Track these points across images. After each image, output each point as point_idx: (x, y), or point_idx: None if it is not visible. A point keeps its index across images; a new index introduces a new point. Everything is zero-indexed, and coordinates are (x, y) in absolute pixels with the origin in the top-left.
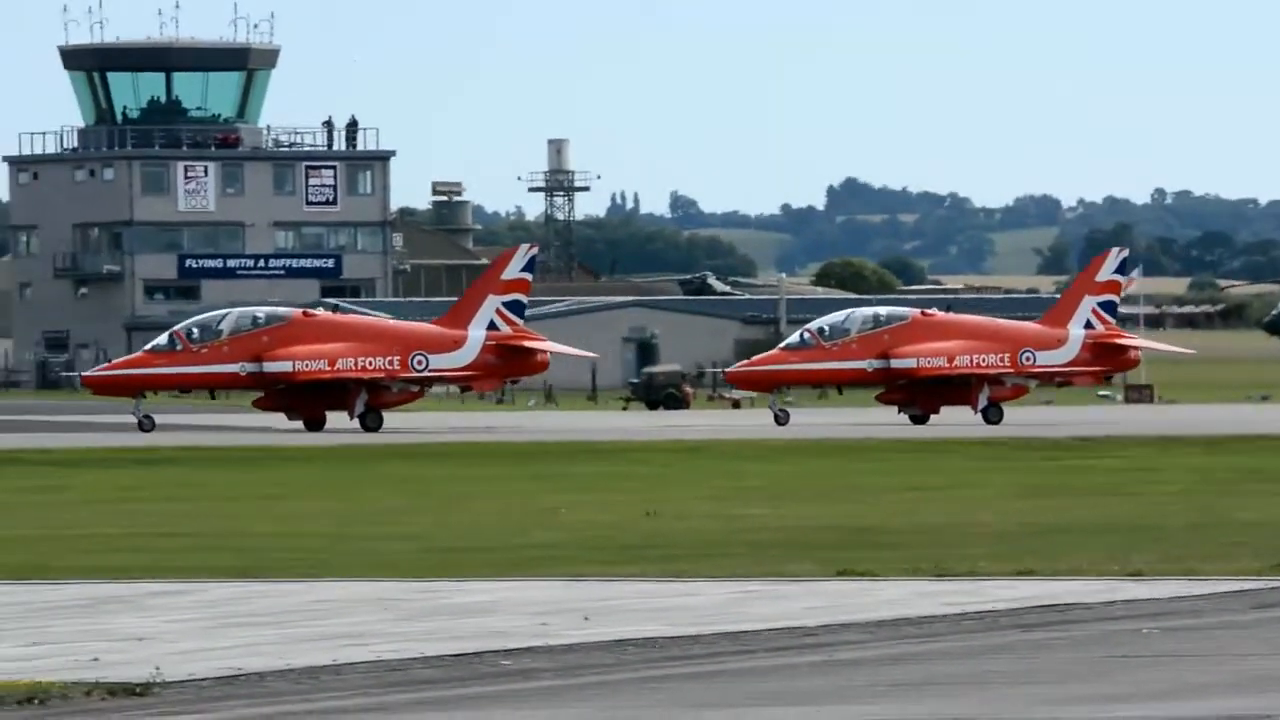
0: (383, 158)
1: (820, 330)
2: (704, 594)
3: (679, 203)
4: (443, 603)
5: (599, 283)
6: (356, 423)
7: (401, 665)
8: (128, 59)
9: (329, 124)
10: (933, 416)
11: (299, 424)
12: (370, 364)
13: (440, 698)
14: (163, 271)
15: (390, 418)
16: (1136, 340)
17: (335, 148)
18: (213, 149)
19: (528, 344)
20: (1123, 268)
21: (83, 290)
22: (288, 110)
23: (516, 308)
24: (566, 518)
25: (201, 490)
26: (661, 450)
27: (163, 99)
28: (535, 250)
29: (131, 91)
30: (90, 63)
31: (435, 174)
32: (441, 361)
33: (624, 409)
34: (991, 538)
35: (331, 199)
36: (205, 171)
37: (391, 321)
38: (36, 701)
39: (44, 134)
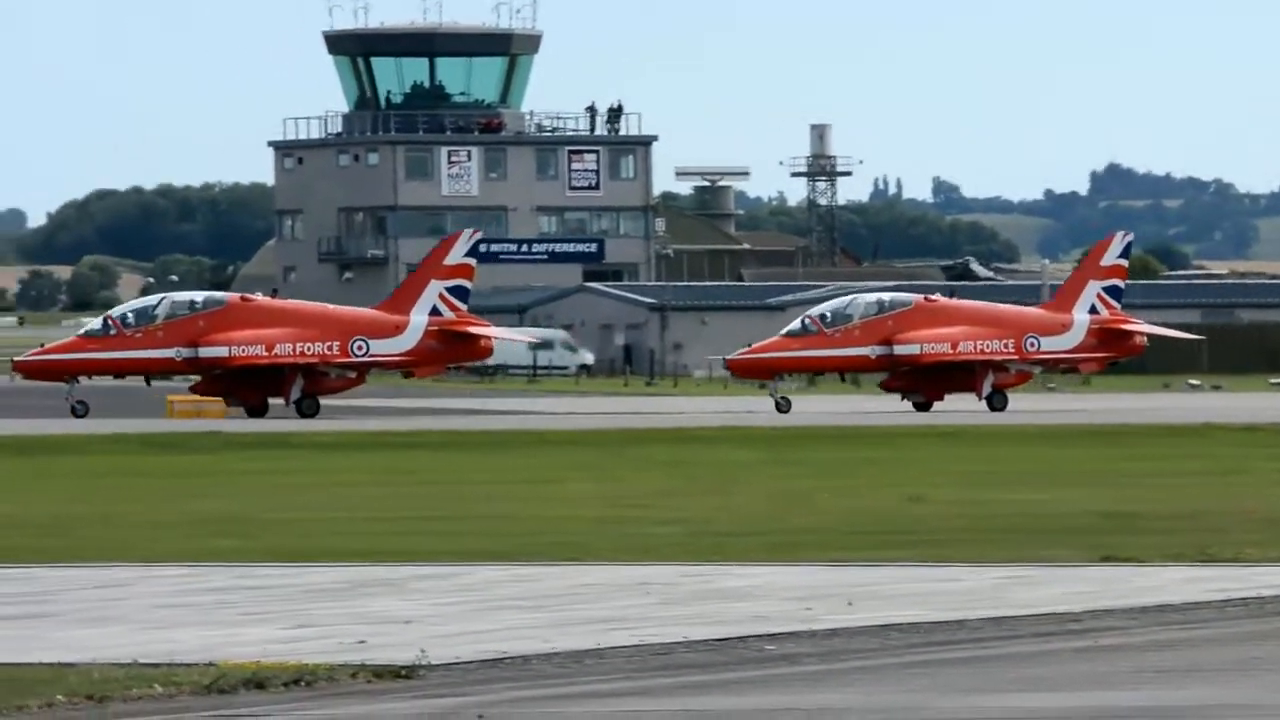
0: (645, 143)
1: (822, 317)
2: (967, 579)
3: (941, 188)
4: (705, 587)
5: (861, 268)
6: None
7: (665, 649)
8: (392, 44)
9: (592, 109)
10: (935, 404)
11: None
12: (308, 349)
13: (703, 682)
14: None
15: (643, 402)
16: (1142, 326)
17: (597, 133)
18: (476, 134)
19: (471, 329)
20: (1127, 252)
21: (347, 274)
22: (550, 96)
23: (460, 293)
24: (826, 502)
25: (465, 474)
26: (914, 436)
27: (426, 84)
28: (479, 235)
29: (395, 76)
30: (354, 48)
31: (697, 159)
32: (382, 347)
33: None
34: (1259, 524)
35: (594, 184)
36: (468, 156)
37: (331, 307)
38: (303, 683)
39: (308, 119)
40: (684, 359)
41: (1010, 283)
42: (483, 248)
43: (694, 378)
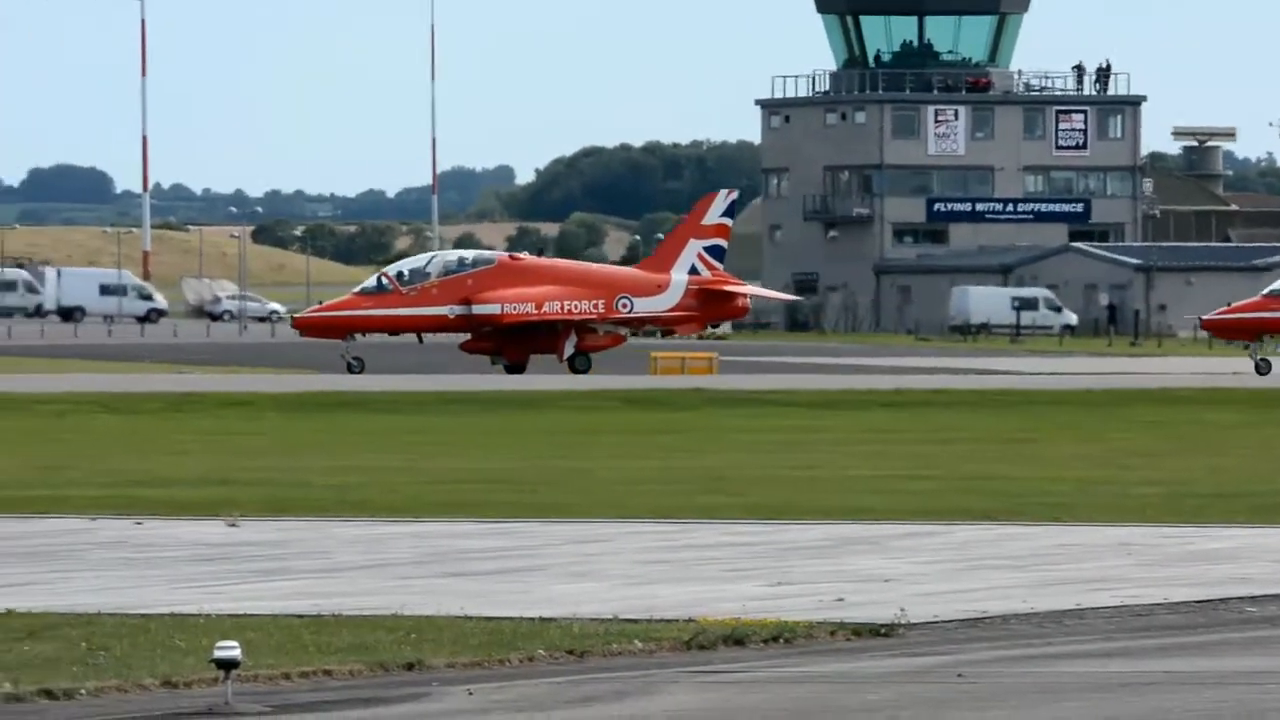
0: (1134, 103)
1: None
2: None
3: None
4: (1187, 549)
5: None
6: (565, 366)
7: (1145, 611)
8: (881, 3)
9: (1079, 69)
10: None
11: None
12: (577, 307)
13: (1183, 644)
14: (911, 215)
15: (1127, 362)
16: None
17: (1085, 93)
18: (963, 93)
19: (728, 288)
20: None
21: (832, 233)
22: (1037, 55)
23: (717, 252)
24: None
25: (948, 432)
26: None
27: (914, 42)
28: (735, 195)
29: (884, 35)
30: (843, 6)
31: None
32: (645, 305)
33: None
34: None
35: (1081, 143)
36: (955, 115)
37: (595, 265)
38: (781, 640)
39: (796, 77)
40: (1169, 320)
41: None
42: (968, 207)
43: (1179, 338)
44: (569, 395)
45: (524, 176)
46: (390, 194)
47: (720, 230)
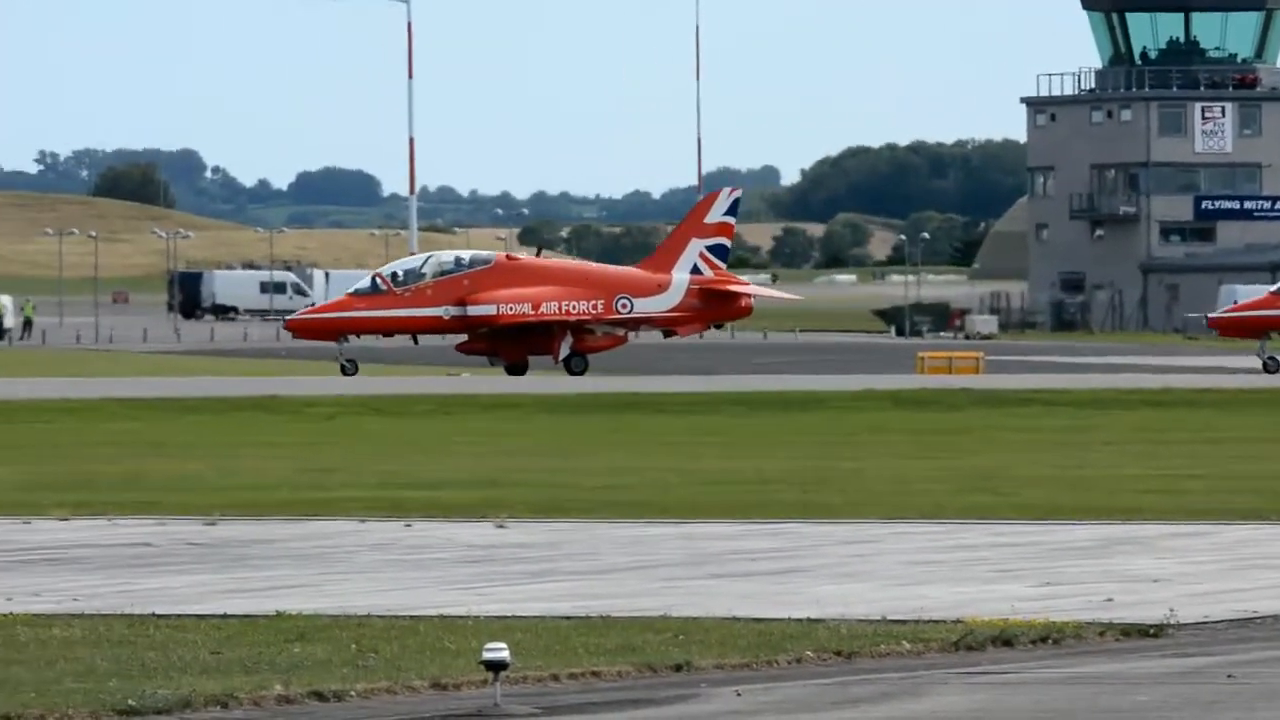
0: None
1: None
2: None
3: None
4: None
5: None
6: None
7: None
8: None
9: None
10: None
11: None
12: (574, 307)
13: None
14: (1178, 213)
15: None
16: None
17: None
18: (1230, 90)
19: (731, 288)
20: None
21: (1098, 232)
22: None
23: (720, 251)
24: None
25: (1224, 431)
26: None
27: (1180, 39)
28: (738, 194)
29: (1150, 31)
30: (1109, 3)
31: None
32: (646, 305)
33: None
34: None
35: None
36: (1222, 112)
37: (595, 265)
38: (1050, 641)
39: (1062, 75)
40: None
41: None
42: (1235, 205)
43: None
44: (838, 396)
45: (789, 177)
46: (655, 195)
47: (723, 229)
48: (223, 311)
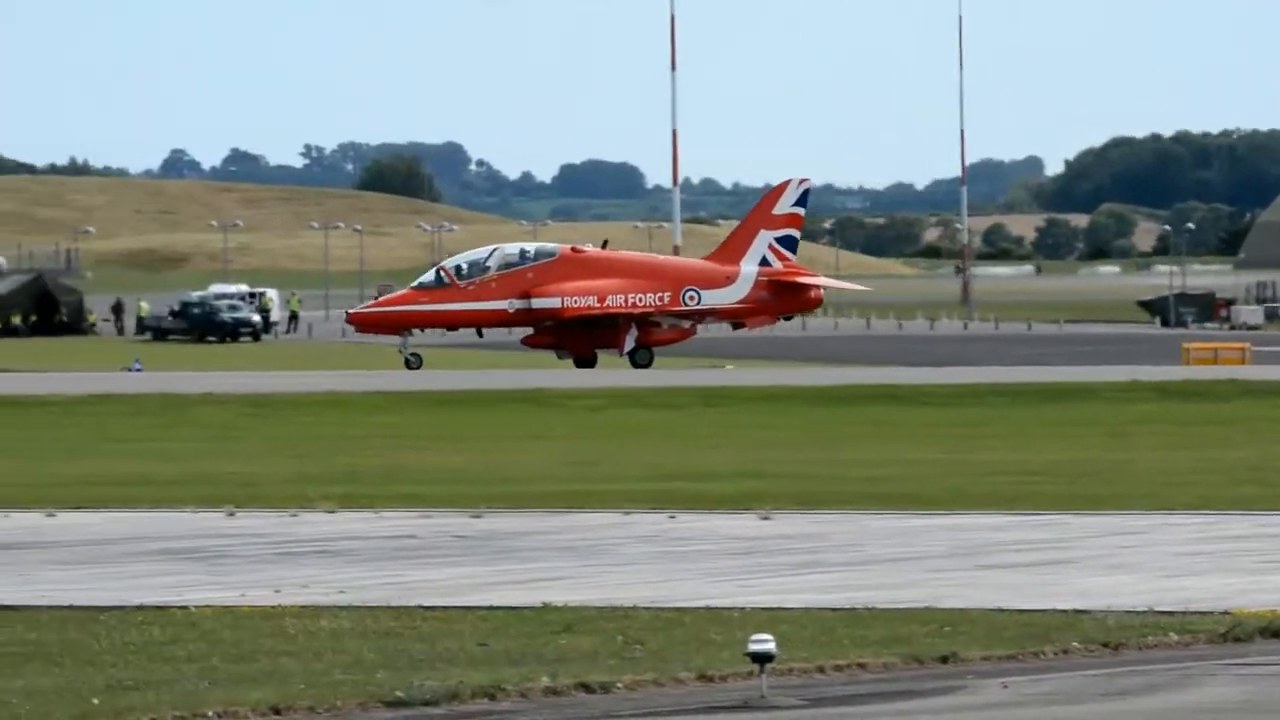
0: None
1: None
2: None
3: None
4: None
5: None
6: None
7: None
8: None
9: None
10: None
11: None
12: (640, 300)
13: None
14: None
15: None
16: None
17: None
18: None
19: (800, 279)
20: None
21: None
22: None
23: (789, 243)
24: None
25: None
26: None
27: None
28: (808, 184)
29: None
30: None
31: None
32: (714, 297)
33: None
34: None
35: None
36: None
37: (662, 258)
38: None
39: None
40: None
41: None
42: None
43: None
44: (1105, 387)
45: (1053, 168)
46: (919, 186)
47: (792, 220)
48: None
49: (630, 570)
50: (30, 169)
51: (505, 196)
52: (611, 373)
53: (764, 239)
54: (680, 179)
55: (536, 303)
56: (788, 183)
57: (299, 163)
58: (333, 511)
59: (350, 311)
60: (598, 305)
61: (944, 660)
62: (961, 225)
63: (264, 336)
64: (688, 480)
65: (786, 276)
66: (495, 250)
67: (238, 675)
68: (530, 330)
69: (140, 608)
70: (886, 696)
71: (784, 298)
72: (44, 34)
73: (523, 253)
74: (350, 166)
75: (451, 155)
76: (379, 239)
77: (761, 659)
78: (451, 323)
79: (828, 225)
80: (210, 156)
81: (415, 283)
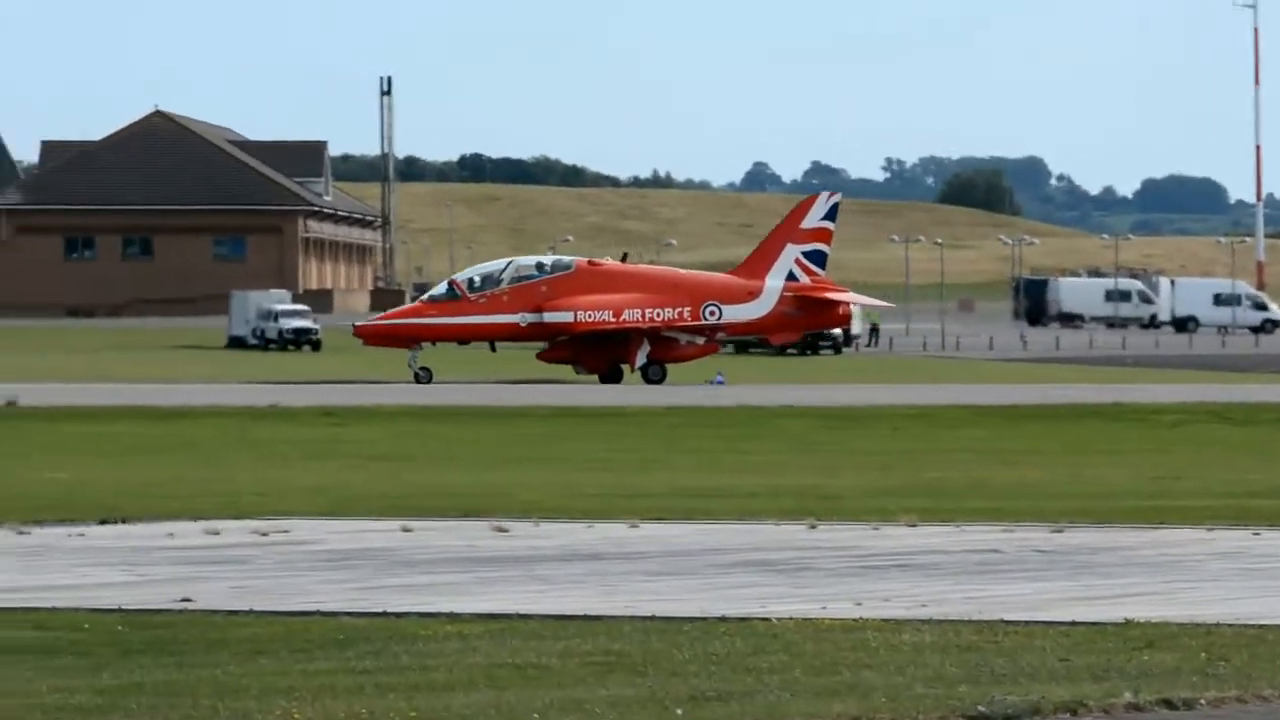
0: None
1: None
2: None
3: None
4: None
5: None
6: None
7: None
8: None
9: None
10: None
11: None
12: (657, 315)
13: None
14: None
15: None
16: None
17: None
18: None
19: (829, 295)
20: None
21: None
22: None
23: (817, 257)
24: None
25: None
26: None
27: None
28: (837, 198)
29: None
30: None
31: None
32: (735, 312)
33: None
34: None
35: None
36: None
37: (683, 272)
38: None
39: None
40: None
41: None
42: None
43: None
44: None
45: None
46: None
47: (820, 234)
48: (1068, 319)
49: (1213, 586)
50: (614, 181)
51: (1086, 210)
52: (1188, 388)
53: (790, 253)
54: (1264, 194)
55: (549, 316)
56: (816, 196)
57: (880, 176)
58: (914, 525)
59: (356, 324)
60: (613, 320)
61: None
62: None
63: (844, 350)
64: (1272, 498)
65: (814, 292)
66: (510, 263)
67: (819, 687)
68: (544, 345)
69: (723, 619)
70: None
71: (811, 313)
72: (613, 57)
73: (539, 265)
74: (930, 180)
75: (1032, 169)
76: (958, 252)
77: None
78: (461, 336)
79: None
80: (791, 170)
81: (426, 295)
